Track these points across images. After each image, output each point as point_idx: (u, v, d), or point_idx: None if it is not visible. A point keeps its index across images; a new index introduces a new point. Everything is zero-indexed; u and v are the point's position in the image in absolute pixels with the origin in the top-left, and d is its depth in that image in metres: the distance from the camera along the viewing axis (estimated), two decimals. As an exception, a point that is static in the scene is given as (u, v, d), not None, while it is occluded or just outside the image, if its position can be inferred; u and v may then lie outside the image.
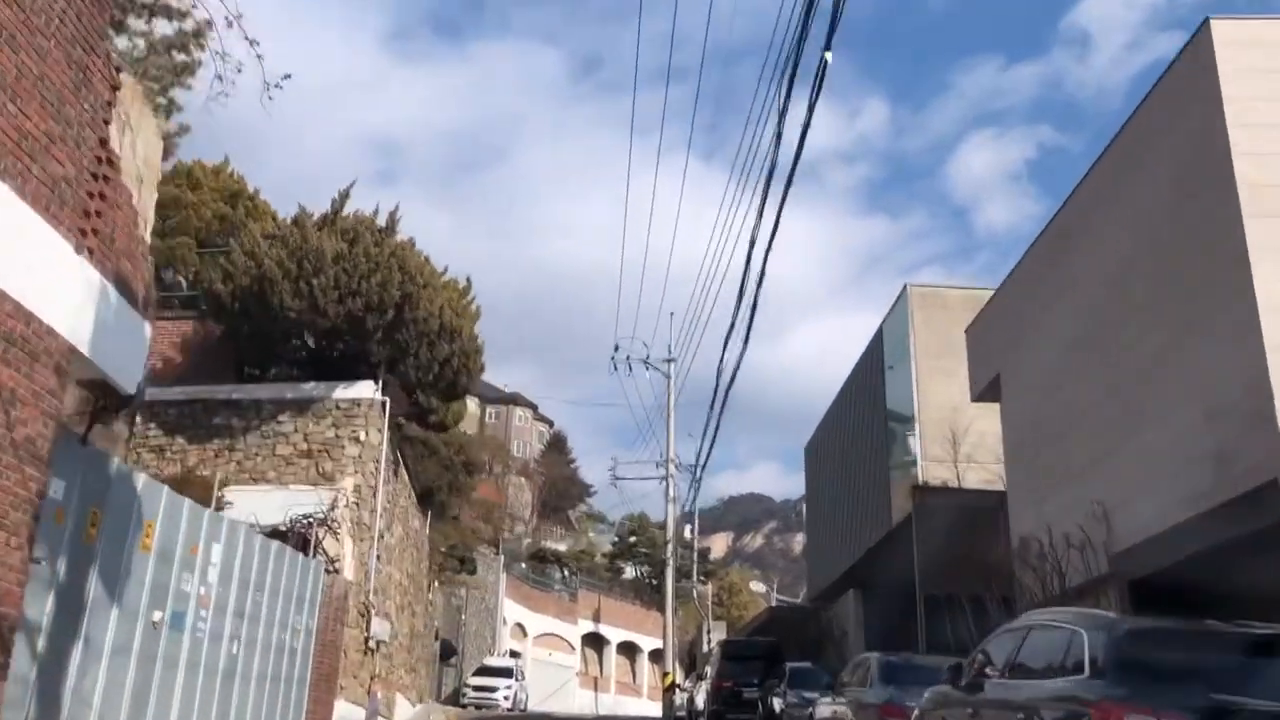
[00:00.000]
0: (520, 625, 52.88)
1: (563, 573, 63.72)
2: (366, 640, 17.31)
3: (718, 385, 23.04)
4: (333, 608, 16.09)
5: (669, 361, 41.77)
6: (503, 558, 50.55)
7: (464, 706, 40.07)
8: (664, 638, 39.47)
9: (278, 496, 16.77)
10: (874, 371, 22.48)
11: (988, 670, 8.35)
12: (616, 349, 41.56)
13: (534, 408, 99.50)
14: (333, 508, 16.67)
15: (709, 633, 39.99)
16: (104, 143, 8.31)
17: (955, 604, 16.90)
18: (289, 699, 14.85)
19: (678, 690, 34.03)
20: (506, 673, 40.94)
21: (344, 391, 17.72)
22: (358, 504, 17.07)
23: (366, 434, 17.49)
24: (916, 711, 9.91)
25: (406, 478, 22.18)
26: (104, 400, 9.23)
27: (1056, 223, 14.77)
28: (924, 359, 20.10)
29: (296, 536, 15.95)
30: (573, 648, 57.57)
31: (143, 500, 10.40)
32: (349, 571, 16.61)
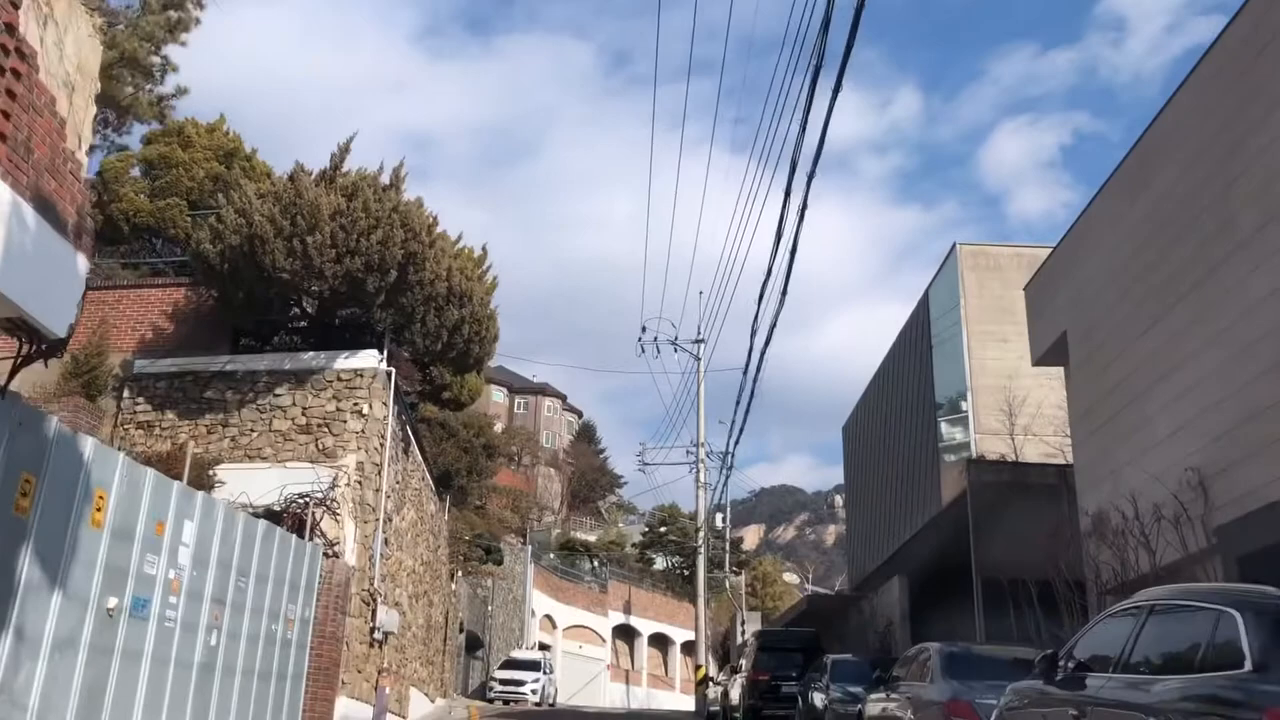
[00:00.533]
0: (549, 617, 51.55)
1: (592, 564, 62.36)
2: (372, 631, 15.91)
3: (751, 347, 21.35)
4: (333, 595, 14.70)
5: (698, 342, 40.18)
6: (530, 548, 49.23)
7: (490, 701, 38.79)
8: (696, 629, 37.96)
9: (273, 475, 15.38)
10: (919, 341, 20.83)
11: (1089, 662, 6.77)
12: (644, 330, 40.10)
13: (563, 398, 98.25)
14: (333, 486, 15.25)
15: (743, 624, 38.42)
16: (10, 28, 6.89)
17: (1018, 589, 15.26)
18: (282, 696, 13.46)
19: (711, 684, 32.51)
20: (534, 666, 39.62)
21: (346, 361, 16.29)
22: (360, 483, 15.65)
23: (370, 407, 16.05)
24: (996, 712, 8.33)
25: (420, 458, 20.77)
26: (30, 346, 7.82)
27: (1134, 156, 13.07)
28: (976, 325, 18.44)
29: (292, 518, 14.57)
30: (603, 640, 56.20)
31: (92, 469, 9.00)
32: (351, 556, 15.20)
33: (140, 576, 9.84)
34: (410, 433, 19.08)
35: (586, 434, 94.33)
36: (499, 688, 38.46)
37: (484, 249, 21.92)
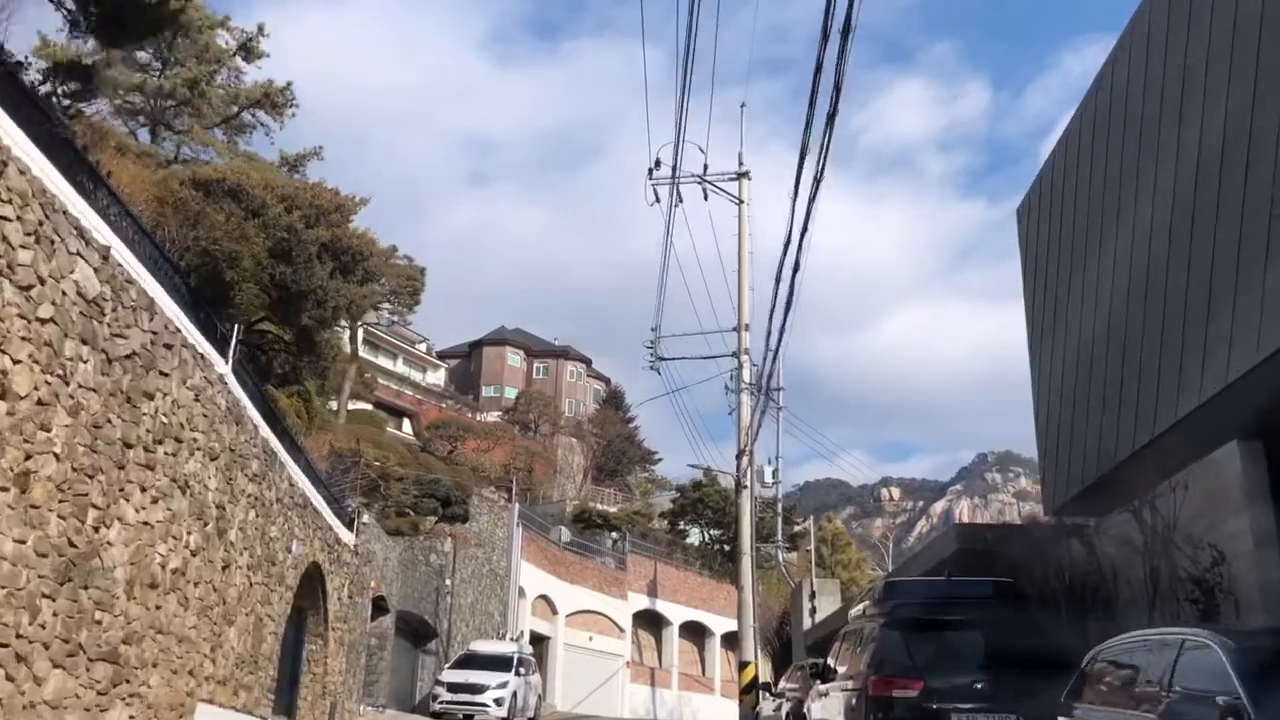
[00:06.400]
0: (546, 599, 37.82)
1: (613, 539, 48.56)
2: None
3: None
4: None
5: (739, 177, 26.42)
6: (517, 505, 35.58)
7: (436, 716, 25.32)
8: (739, 609, 24.11)
9: None
10: None
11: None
12: (657, 165, 26.31)
13: (588, 362, 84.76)
14: None
15: (813, 597, 24.43)
16: None
17: None
18: None
19: (770, 695, 18.70)
20: (502, 663, 25.93)
21: None
22: None
23: None
24: None
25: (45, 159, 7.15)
26: None
27: None
28: None
29: None
30: (621, 630, 42.37)
31: None
32: None
33: None
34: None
35: (614, 400, 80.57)
36: (446, 696, 24.89)
37: None
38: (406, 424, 51.75)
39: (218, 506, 12.02)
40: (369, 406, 44.64)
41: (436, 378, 77.11)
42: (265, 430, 14.15)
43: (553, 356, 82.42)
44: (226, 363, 12.44)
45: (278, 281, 14.08)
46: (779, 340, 17.88)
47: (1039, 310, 13.65)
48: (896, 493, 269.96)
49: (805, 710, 13.20)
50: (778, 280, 15.29)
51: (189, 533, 11.14)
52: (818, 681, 12.34)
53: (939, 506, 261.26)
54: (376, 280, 16.13)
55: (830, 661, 11.95)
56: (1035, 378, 13.81)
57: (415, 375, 72.29)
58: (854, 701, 9.83)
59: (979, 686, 9.17)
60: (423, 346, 78.92)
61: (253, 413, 13.51)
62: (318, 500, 17.79)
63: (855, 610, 11.48)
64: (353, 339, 33.14)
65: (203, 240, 12.54)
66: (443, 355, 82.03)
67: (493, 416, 72.83)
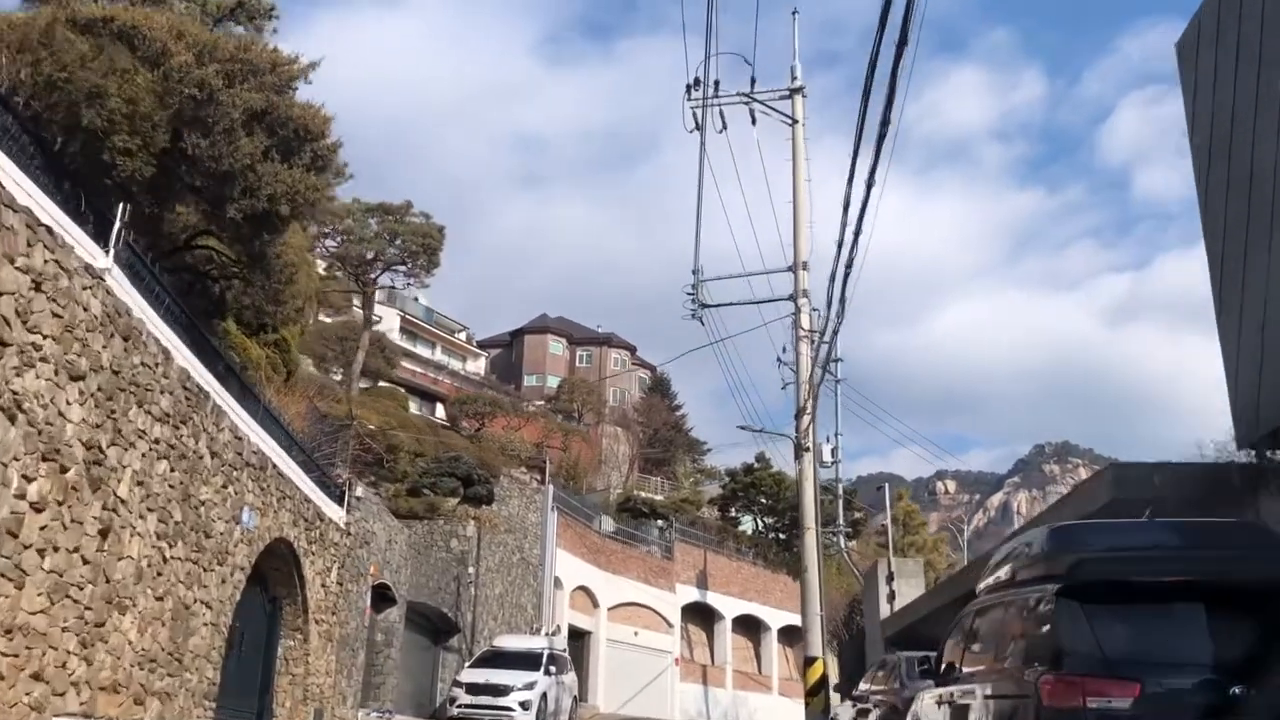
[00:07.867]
0: (586, 590, 34.31)
1: (659, 528, 44.96)
2: None
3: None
4: None
5: (793, 94, 22.68)
6: (551, 488, 32.11)
7: (451, 723, 21.90)
8: (804, 595, 20.36)
9: None
10: None
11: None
12: (695, 84, 22.68)
13: (632, 349, 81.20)
14: None
15: (890, 581, 20.58)
16: None
17: None
18: None
19: (851, 704, 15.01)
20: (529, 661, 22.45)
21: None
22: None
23: None
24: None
25: None
26: None
27: None
28: None
29: None
30: (669, 625, 38.74)
31: None
32: None
33: None
34: None
35: (660, 388, 76.87)
36: (464, 698, 21.48)
37: None
38: (440, 409, 48.87)
39: (88, 446, 8.62)
40: (401, 389, 41.71)
41: (477, 366, 74.34)
42: (187, 359, 10.77)
43: (595, 344, 79.06)
44: (107, 254, 9.04)
45: (190, 156, 10.66)
46: (841, 308, 14.30)
47: (1219, 167, 9.81)
48: (952, 486, 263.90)
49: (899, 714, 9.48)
50: (836, 259, 12.13)
51: (26, 478, 7.76)
52: (931, 683, 8.63)
53: (996, 499, 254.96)
54: (330, 168, 12.72)
55: (949, 656, 8.25)
56: (1218, 268, 9.96)
57: (454, 364, 69.56)
58: (1012, 713, 6.13)
59: (1236, 692, 5.45)
60: (462, 335, 76.21)
61: (160, 330, 10.12)
62: (286, 464, 14.44)
63: (992, 579, 7.75)
64: (365, 304, 29.98)
65: (45, 65, 9.07)
66: (483, 344, 79.27)
67: (535, 406, 69.79)
